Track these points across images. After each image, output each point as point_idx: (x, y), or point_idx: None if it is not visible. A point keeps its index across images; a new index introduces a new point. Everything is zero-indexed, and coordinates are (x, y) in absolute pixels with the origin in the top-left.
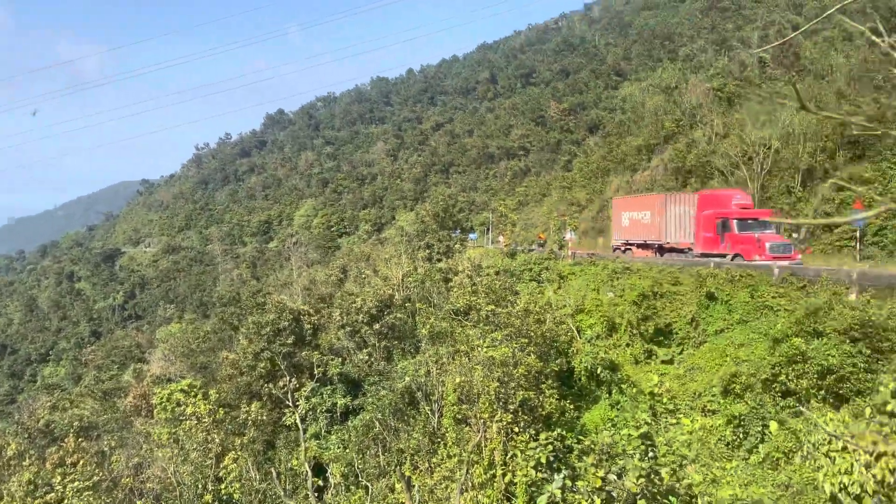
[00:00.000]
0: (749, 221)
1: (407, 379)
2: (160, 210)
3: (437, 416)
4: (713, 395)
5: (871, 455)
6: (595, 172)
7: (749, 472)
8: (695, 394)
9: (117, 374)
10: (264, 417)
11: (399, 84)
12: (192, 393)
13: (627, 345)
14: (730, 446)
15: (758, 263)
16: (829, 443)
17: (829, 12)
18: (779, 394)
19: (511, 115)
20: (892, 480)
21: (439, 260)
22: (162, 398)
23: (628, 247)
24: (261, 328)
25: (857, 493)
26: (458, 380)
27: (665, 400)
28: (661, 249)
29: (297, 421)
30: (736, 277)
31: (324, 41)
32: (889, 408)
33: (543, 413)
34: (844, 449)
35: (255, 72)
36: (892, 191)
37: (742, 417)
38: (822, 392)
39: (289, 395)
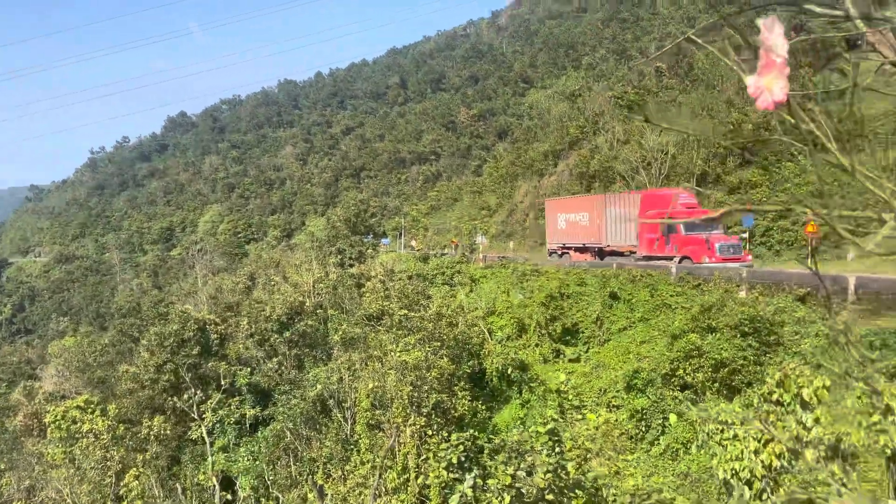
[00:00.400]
0: (697, 222)
1: (319, 387)
2: (51, 217)
3: (349, 423)
4: (617, 391)
5: (759, 442)
6: (504, 177)
7: (651, 463)
8: (600, 390)
9: (5, 393)
10: (168, 432)
11: (308, 87)
12: (90, 409)
13: (536, 345)
14: (633, 439)
15: (708, 265)
16: (722, 432)
17: (679, 39)
18: (677, 387)
19: (422, 120)
20: (778, 465)
21: (351, 265)
22: (56, 416)
23: (565, 250)
24: (163, 339)
25: (748, 477)
26: (370, 385)
27: (570, 397)
28: (602, 253)
29: (204, 434)
30: (637, 277)
31: (228, 42)
32: (775, 397)
33: (456, 415)
34: (735, 437)
35: (155, 73)
36: (778, 194)
37: (644, 411)
38: (717, 384)
39: (194, 408)
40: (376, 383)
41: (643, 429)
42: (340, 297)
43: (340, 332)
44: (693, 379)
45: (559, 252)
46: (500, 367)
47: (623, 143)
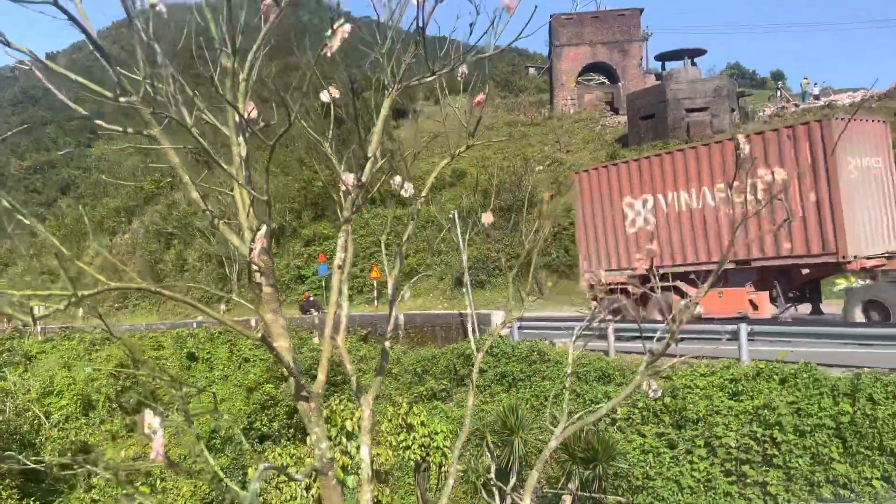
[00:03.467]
0: None
1: None
2: None
3: None
4: (198, 455)
5: (311, 478)
6: (69, 236)
7: None
8: (180, 457)
9: None
10: None
11: None
12: None
13: (102, 421)
14: (214, 501)
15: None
16: (278, 476)
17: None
18: (257, 439)
19: None
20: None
21: None
22: None
23: (670, 281)
24: None
25: None
26: None
27: (125, 475)
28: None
29: None
30: (215, 335)
31: None
32: (331, 434)
33: None
34: (290, 479)
35: None
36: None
37: (225, 469)
38: (292, 430)
39: None
40: None
41: (223, 488)
42: None
43: None
44: (269, 429)
45: (655, 285)
46: (58, 453)
47: (204, 197)
